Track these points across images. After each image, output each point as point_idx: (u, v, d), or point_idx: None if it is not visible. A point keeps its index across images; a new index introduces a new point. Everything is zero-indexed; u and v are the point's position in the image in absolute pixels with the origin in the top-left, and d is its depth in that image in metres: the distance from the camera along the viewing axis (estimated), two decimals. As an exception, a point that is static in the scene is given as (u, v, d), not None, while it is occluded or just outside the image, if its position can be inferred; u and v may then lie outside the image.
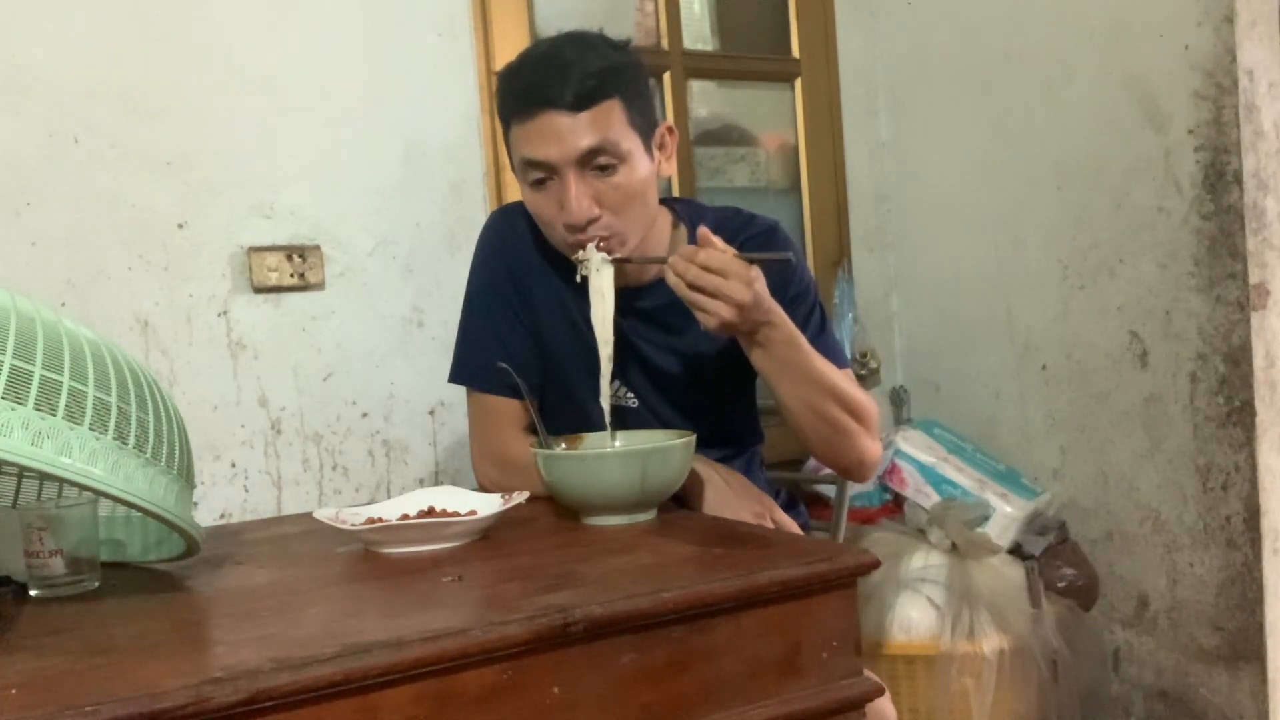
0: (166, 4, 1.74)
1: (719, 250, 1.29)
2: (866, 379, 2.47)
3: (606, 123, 1.35)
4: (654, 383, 1.50)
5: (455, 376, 1.54)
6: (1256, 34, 1.85)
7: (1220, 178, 1.89)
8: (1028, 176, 2.23)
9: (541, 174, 1.37)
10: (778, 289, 1.37)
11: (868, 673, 1.08)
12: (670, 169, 1.46)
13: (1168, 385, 2.00)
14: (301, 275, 1.83)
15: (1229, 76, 1.86)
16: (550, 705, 0.92)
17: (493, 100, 1.99)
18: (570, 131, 1.34)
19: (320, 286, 1.86)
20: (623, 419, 1.46)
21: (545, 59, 1.37)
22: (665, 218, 1.52)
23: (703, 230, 1.32)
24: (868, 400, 1.45)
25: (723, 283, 1.27)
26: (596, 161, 1.35)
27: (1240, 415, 1.90)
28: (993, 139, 2.30)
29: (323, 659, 0.82)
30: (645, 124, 1.40)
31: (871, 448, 1.45)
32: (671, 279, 1.30)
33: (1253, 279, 1.86)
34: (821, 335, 1.47)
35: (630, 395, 1.50)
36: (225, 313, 1.79)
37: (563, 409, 1.49)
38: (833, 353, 1.46)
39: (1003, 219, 2.30)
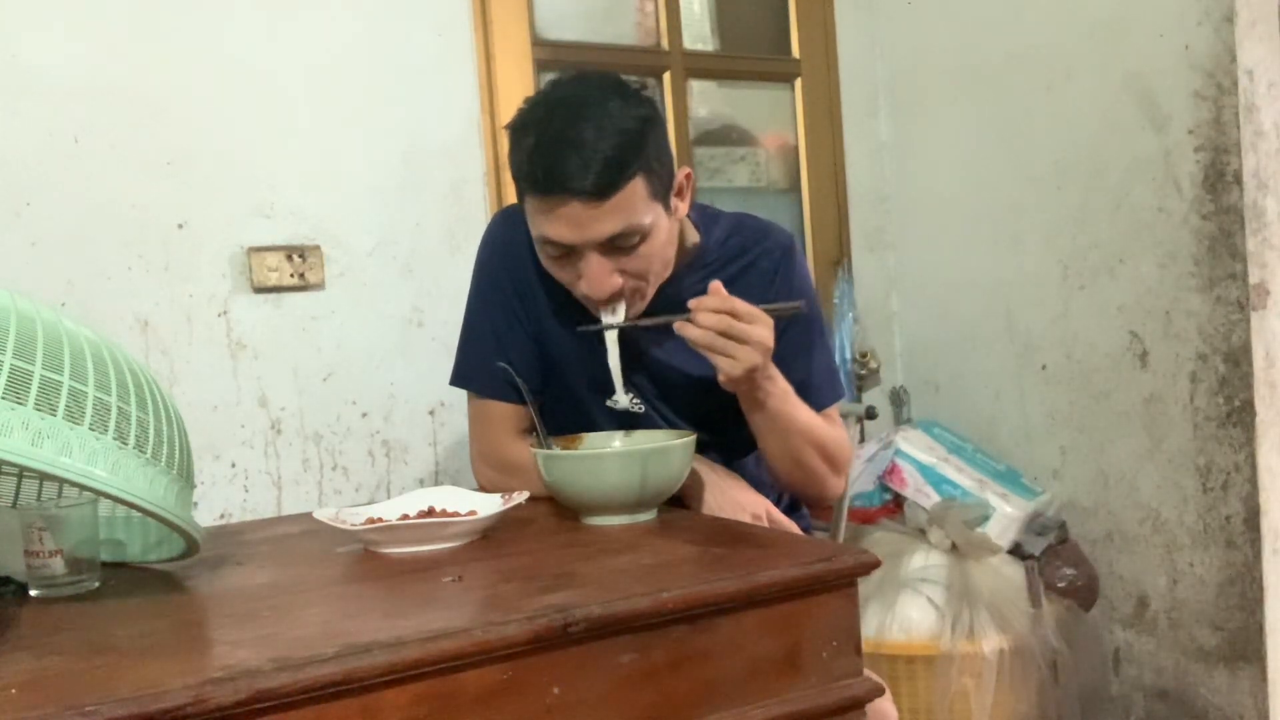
0: (166, 4, 1.74)
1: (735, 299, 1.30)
2: (866, 379, 2.47)
3: (629, 206, 1.30)
4: (660, 388, 1.50)
5: (456, 379, 1.54)
6: (1256, 34, 1.85)
7: (1220, 178, 1.89)
8: (1028, 176, 2.23)
9: (559, 252, 1.35)
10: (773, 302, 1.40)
11: (868, 672, 1.08)
12: (685, 208, 1.43)
13: (1168, 385, 2.00)
14: (301, 275, 1.83)
15: (1229, 76, 1.86)
16: (550, 705, 0.92)
17: (493, 100, 2.02)
18: (592, 220, 1.30)
19: (320, 286, 1.86)
20: (629, 424, 1.46)
21: (563, 141, 1.28)
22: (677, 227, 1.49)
23: (715, 284, 1.32)
24: (842, 442, 1.51)
25: (750, 329, 1.28)
26: (618, 243, 1.33)
27: (1240, 415, 1.90)
28: (993, 139, 2.30)
29: (323, 659, 0.82)
30: (665, 184, 1.36)
31: (836, 486, 1.52)
32: (694, 332, 1.29)
33: (1253, 279, 1.86)
34: (817, 358, 1.52)
35: (637, 400, 1.49)
36: (225, 313, 1.79)
37: (565, 412, 1.49)
38: (826, 383, 1.52)
39: (1003, 219, 2.30)
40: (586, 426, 1.46)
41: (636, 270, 1.36)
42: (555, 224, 1.31)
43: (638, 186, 1.31)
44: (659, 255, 1.38)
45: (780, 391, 1.38)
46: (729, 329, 1.28)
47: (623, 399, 1.44)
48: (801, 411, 1.42)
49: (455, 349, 1.54)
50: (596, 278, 1.33)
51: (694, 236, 1.51)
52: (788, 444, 1.43)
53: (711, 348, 1.29)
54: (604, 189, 1.28)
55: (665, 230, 1.37)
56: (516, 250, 1.47)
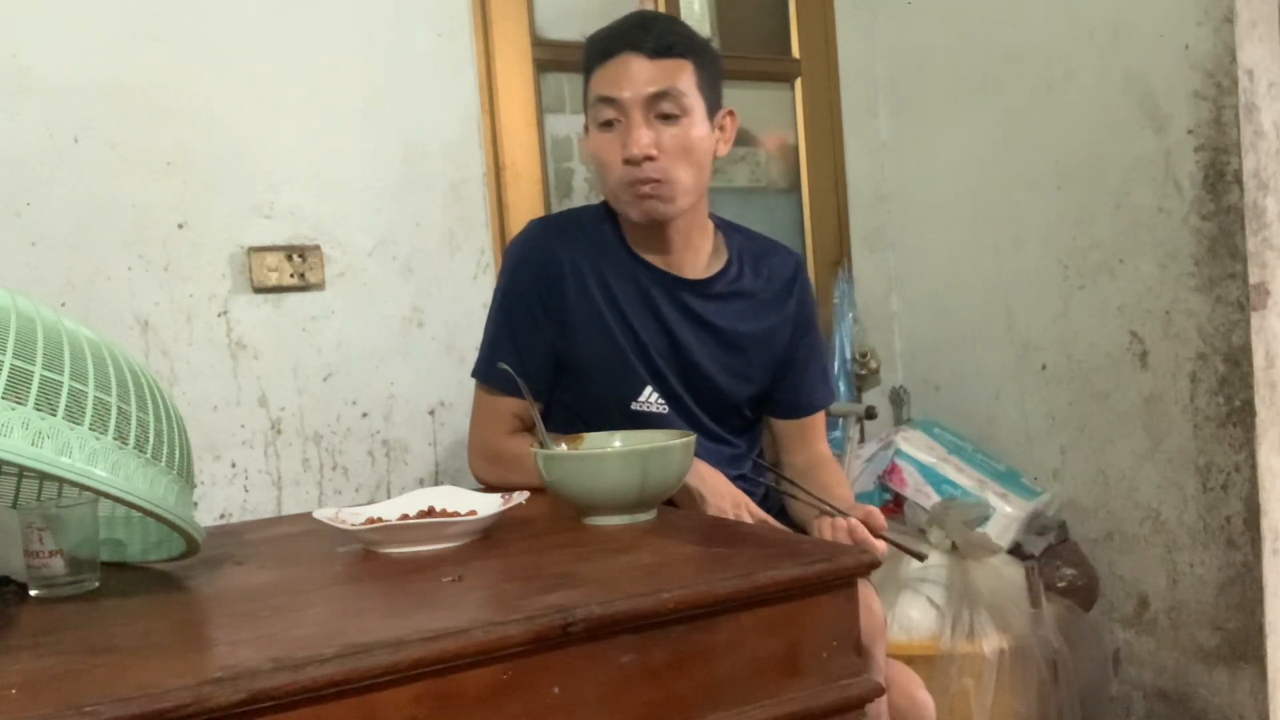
0: (166, 4, 1.74)
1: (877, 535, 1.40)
2: (866, 379, 2.47)
3: (677, 75, 1.47)
4: (690, 385, 1.57)
5: (474, 373, 1.61)
6: (1256, 34, 1.85)
7: (1220, 178, 1.89)
8: (1028, 176, 2.23)
9: (611, 113, 1.48)
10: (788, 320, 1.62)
11: (899, 665, 1.08)
12: (725, 149, 1.57)
13: (1168, 385, 2.00)
14: (301, 275, 1.83)
15: (1229, 76, 1.86)
16: (550, 705, 0.92)
17: (493, 100, 2.03)
18: (642, 73, 1.46)
19: (320, 286, 1.86)
20: (650, 425, 1.52)
21: (637, 16, 1.56)
22: (710, 225, 1.62)
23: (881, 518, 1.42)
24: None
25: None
26: (661, 108, 1.47)
27: (1240, 415, 1.90)
28: (993, 139, 2.30)
29: (323, 659, 0.82)
30: (711, 97, 1.53)
31: None
32: (829, 529, 1.40)
33: (1253, 279, 1.86)
34: (822, 371, 1.70)
35: (660, 401, 1.56)
36: (225, 313, 1.79)
37: (587, 416, 1.54)
38: (830, 388, 1.73)
39: (1003, 219, 2.30)
40: (607, 427, 1.51)
41: (671, 152, 1.47)
42: (610, 79, 1.47)
43: (688, 68, 1.49)
44: (692, 152, 1.49)
45: None
46: (848, 541, 1.38)
47: (649, 398, 1.54)
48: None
49: (455, 348, 1.55)
50: (637, 133, 1.46)
51: (723, 249, 1.62)
52: None
53: (834, 535, 1.39)
54: (658, 50, 1.47)
55: (703, 134, 1.50)
56: (549, 257, 1.55)
